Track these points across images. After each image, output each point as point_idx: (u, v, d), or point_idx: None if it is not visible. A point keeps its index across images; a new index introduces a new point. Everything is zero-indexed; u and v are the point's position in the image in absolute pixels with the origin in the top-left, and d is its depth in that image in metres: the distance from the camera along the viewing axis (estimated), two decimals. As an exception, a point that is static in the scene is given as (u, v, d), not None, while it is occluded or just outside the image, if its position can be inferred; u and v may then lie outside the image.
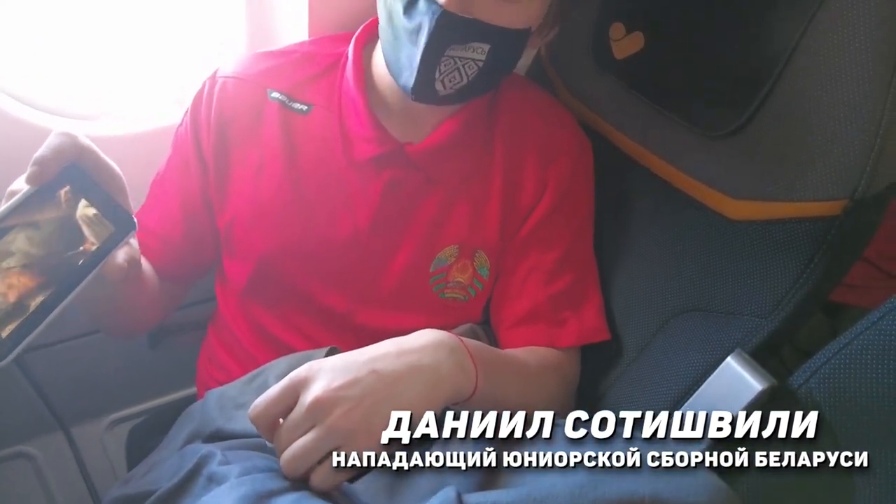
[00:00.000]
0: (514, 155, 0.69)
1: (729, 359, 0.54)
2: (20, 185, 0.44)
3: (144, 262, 0.67)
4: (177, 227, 0.70)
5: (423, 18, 0.56)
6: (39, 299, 0.42)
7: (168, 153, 0.71)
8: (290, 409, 0.47)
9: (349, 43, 0.68)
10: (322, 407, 0.46)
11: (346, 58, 0.67)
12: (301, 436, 0.46)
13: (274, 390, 0.48)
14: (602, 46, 0.73)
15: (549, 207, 0.68)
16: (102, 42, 0.83)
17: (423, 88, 0.59)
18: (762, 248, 0.60)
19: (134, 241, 0.49)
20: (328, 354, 0.56)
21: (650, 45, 0.68)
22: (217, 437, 0.59)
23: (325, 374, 0.48)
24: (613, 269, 0.74)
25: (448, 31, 0.56)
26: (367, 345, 0.52)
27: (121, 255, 0.46)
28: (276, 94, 0.67)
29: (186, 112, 0.69)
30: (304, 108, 0.67)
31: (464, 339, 0.55)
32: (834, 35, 0.54)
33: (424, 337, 0.53)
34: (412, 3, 0.56)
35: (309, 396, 0.46)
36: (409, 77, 0.59)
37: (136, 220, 0.47)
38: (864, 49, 0.53)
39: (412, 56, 0.58)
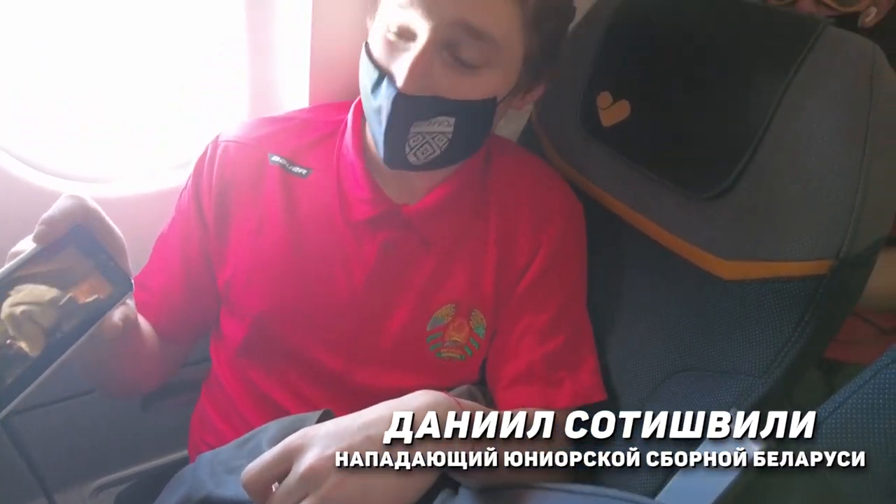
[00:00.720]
0: (508, 216, 0.70)
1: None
2: (24, 246, 0.45)
3: (145, 324, 0.68)
4: (178, 287, 0.71)
5: (384, 101, 0.59)
6: (38, 352, 0.42)
7: (171, 215, 0.73)
8: (284, 475, 0.46)
9: (347, 110, 0.71)
10: (316, 476, 0.45)
11: (345, 125, 0.70)
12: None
13: (267, 456, 0.47)
14: (590, 114, 0.76)
15: (542, 268, 0.69)
16: (111, 107, 0.87)
17: (396, 161, 0.63)
18: (754, 308, 0.61)
19: (131, 302, 0.50)
20: (322, 418, 0.55)
21: (636, 113, 0.71)
22: (208, 502, 0.58)
23: (319, 440, 0.47)
24: (607, 329, 0.74)
25: (407, 112, 0.59)
26: (363, 405, 0.51)
27: (117, 314, 0.47)
28: (276, 158, 0.69)
29: (189, 175, 0.72)
30: (304, 171, 0.69)
31: (460, 400, 0.55)
32: (805, 105, 0.57)
33: (419, 398, 0.52)
34: (377, 85, 0.60)
35: (303, 464, 0.45)
36: (380, 151, 0.62)
37: (132, 281, 0.48)
38: (834, 116, 0.56)
39: (378, 133, 0.61)
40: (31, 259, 0.44)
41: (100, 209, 0.48)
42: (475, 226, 0.70)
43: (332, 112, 0.74)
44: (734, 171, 0.61)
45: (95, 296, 0.47)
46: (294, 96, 0.85)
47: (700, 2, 0.69)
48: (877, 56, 0.56)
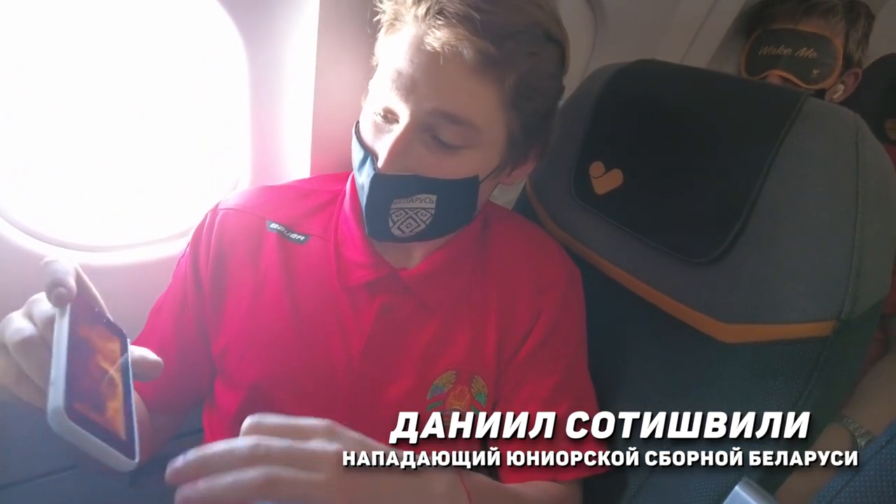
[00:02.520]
0: (507, 283, 0.70)
1: (737, 488, 0.52)
2: (43, 307, 0.44)
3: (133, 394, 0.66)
4: (171, 355, 0.69)
5: (366, 179, 0.61)
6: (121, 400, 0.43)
7: (167, 283, 0.73)
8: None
9: (345, 180, 0.72)
10: (323, 462, 0.44)
11: (344, 193, 0.71)
12: (283, 464, 0.42)
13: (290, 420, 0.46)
14: (583, 183, 0.78)
15: (543, 336, 0.69)
16: (111, 176, 0.88)
17: (380, 234, 0.64)
18: (759, 371, 0.60)
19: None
20: None
21: (629, 181, 0.73)
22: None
23: (343, 441, 0.46)
24: (611, 396, 0.73)
25: (387, 190, 0.60)
26: None
27: (140, 351, 0.47)
28: (274, 226, 0.70)
29: (188, 242, 0.72)
30: (302, 238, 0.70)
31: (463, 471, 0.53)
32: (795, 171, 0.59)
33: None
34: (362, 163, 0.62)
35: (320, 445, 0.44)
36: (364, 225, 0.64)
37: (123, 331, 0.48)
38: (824, 181, 0.57)
39: (363, 206, 0.63)
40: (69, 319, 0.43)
41: (78, 268, 0.47)
42: (475, 291, 0.70)
43: (331, 182, 0.76)
44: (729, 236, 0.62)
45: (118, 351, 0.46)
46: (296, 168, 0.87)
47: (686, 75, 0.73)
48: (859, 123, 0.58)
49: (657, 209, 0.70)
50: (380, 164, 0.59)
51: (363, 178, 0.62)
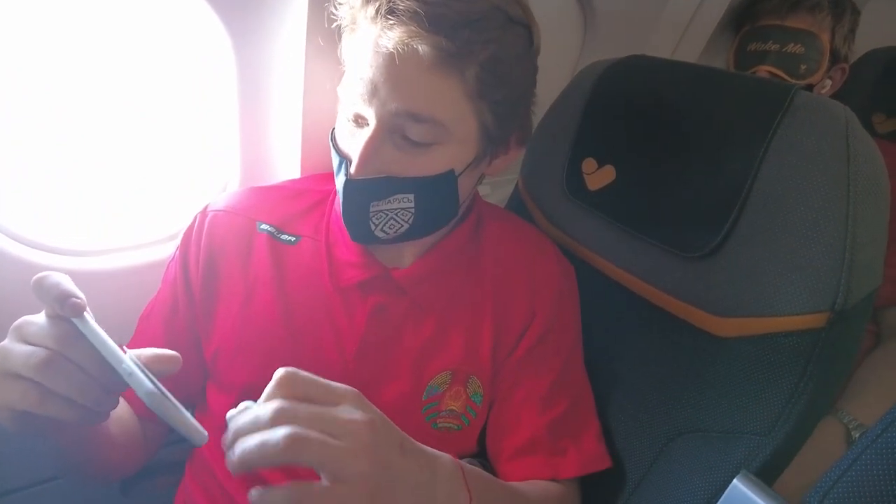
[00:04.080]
0: (502, 282, 0.70)
1: (735, 481, 0.52)
2: (37, 321, 0.44)
3: (123, 404, 0.65)
4: (161, 363, 0.68)
5: (340, 185, 0.61)
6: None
7: (156, 288, 0.72)
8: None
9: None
10: (352, 429, 0.43)
11: (335, 192, 0.71)
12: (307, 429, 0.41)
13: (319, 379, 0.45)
14: (576, 180, 0.77)
15: (538, 335, 0.69)
16: (99, 179, 0.87)
17: (363, 237, 0.64)
18: (753, 365, 0.60)
19: None
20: None
21: (622, 177, 0.73)
22: None
23: (370, 411, 0.46)
24: (607, 392, 0.73)
25: (362, 195, 0.60)
26: None
27: (150, 350, 0.46)
28: (265, 227, 0.69)
29: (177, 245, 0.71)
30: (293, 238, 0.69)
31: (463, 465, 0.52)
32: (786, 164, 0.59)
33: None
34: (338, 169, 0.62)
35: (349, 412, 0.44)
36: (347, 229, 0.63)
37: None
38: (815, 173, 0.57)
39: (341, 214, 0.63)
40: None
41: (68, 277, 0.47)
42: (470, 291, 0.69)
43: (322, 181, 0.75)
44: (722, 230, 0.62)
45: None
46: (286, 168, 0.86)
47: (677, 70, 0.73)
48: (849, 115, 0.58)
49: (650, 204, 0.70)
50: (352, 169, 0.59)
51: (339, 182, 0.62)
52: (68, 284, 0.43)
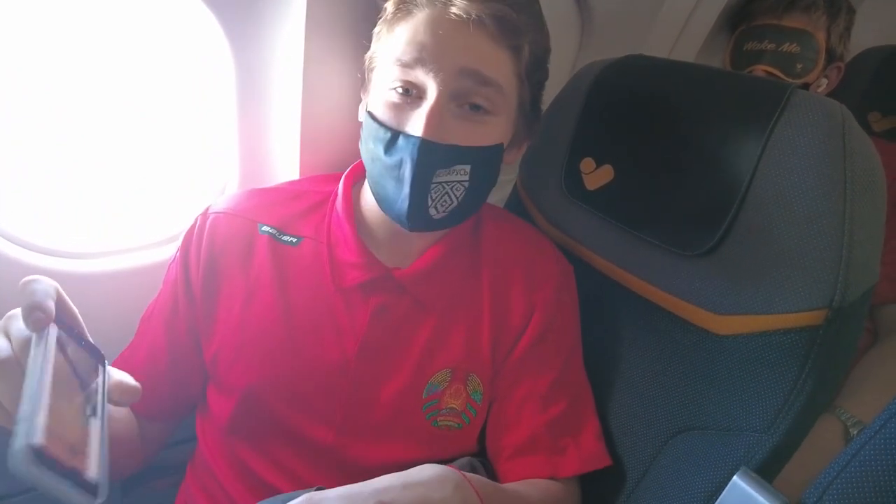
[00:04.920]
0: (501, 280, 0.70)
1: (735, 478, 0.52)
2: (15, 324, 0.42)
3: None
4: (163, 363, 0.68)
5: (405, 153, 0.59)
6: (96, 429, 0.39)
7: (158, 289, 0.72)
8: None
9: (337, 182, 0.72)
10: None
11: (336, 194, 0.71)
12: None
13: None
14: (574, 179, 0.78)
15: (538, 333, 0.69)
16: (98, 181, 0.87)
17: (417, 216, 0.62)
18: (752, 362, 0.60)
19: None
20: None
21: (620, 176, 0.73)
22: None
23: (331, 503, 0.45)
24: (606, 391, 0.73)
25: (431, 158, 0.59)
26: (355, 481, 0.49)
27: (119, 375, 0.45)
28: (266, 228, 0.69)
29: (178, 247, 0.71)
30: (294, 240, 0.69)
31: (466, 474, 0.53)
32: (784, 163, 0.59)
33: (428, 471, 0.51)
34: (392, 142, 0.60)
35: None
36: (402, 208, 0.61)
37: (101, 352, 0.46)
38: (813, 171, 0.57)
39: (400, 190, 0.61)
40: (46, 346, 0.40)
41: (59, 287, 0.45)
42: (469, 289, 0.69)
43: (322, 183, 0.75)
44: (720, 228, 0.62)
45: (96, 374, 0.44)
46: (285, 169, 0.86)
47: (674, 69, 0.73)
48: (845, 113, 0.58)
49: (649, 203, 0.70)
50: (420, 132, 0.58)
51: (400, 153, 0.60)
52: (45, 296, 0.41)
